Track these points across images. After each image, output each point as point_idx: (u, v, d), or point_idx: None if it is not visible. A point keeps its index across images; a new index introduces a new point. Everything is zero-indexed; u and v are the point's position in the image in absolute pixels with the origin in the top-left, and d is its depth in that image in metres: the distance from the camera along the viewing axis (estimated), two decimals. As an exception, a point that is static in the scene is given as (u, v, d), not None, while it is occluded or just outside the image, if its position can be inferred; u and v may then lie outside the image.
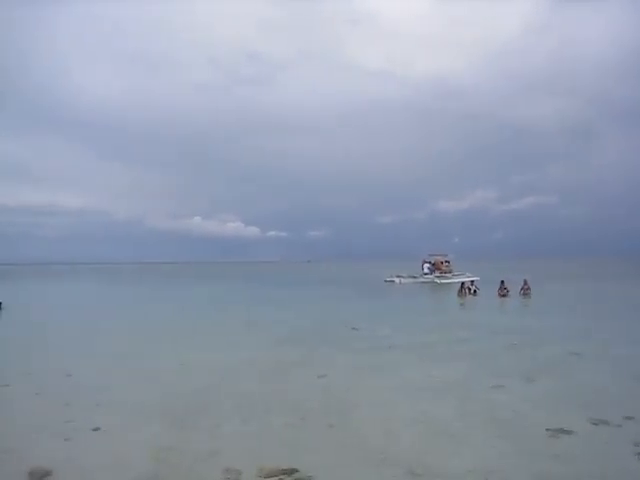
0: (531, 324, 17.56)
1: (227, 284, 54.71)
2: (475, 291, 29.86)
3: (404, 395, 8.51)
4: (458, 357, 11.68)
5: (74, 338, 15.76)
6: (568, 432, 6.44)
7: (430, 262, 49.36)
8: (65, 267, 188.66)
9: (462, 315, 22.98)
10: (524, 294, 28.51)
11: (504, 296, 27.90)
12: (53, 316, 22.76)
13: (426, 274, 48.28)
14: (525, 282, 29.14)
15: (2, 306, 23.90)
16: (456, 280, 39.88)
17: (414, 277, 48.77)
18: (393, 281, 47.94)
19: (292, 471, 5.31)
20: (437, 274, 47.58)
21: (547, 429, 6.56)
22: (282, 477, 5.23)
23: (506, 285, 28.67)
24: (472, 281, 32.56)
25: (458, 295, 29.28)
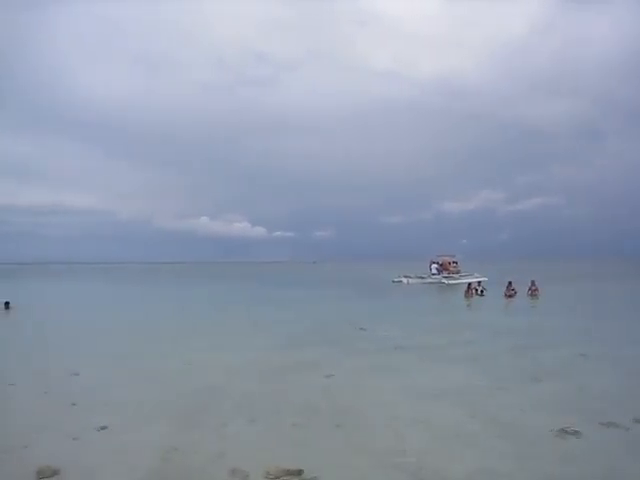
0: (538, 325, 17.47)
1: (233, 284, 54.79)
2: (482, 291, 29.75)
3: (410, 396, 8.48)
4: (464, 358, 11.62)
5: (80, 337, 15.84)
6: (575, 434, 6.40)
7: (438, 263, 49.26)
8: (71, 267, 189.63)
9: (468, 316, 22.89)
10: (532, 295, 28.36)
11: (511, 297, 27.77)
12: (59, 315, 22.87)
13: (434, 275, 48.21)
14: (533, 283, 28.98)
15: (9, 305, 24.03)
16: (464, 281, 39.76)
17: (422, 278, 48.67)
18: (401, 281, 47.88)
19: (298, 472, 5.31)
20: (445, 275, 47.52)
21: (554, 431, 6.51)
22: (288, 478, 5.22)
23: (514, 286, 28.54)
24: (479, 282, 32.48)
25: (465, 296, 29.17)
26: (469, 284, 30.86)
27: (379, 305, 27.26)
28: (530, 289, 28.80)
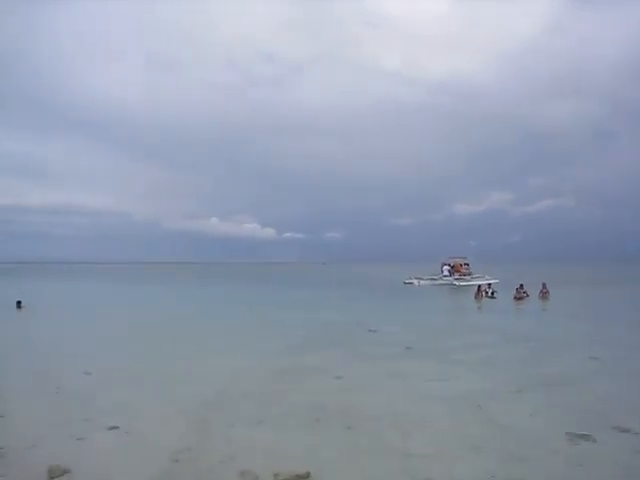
0: (550, 329, 17.36)
1: (242, 285, 54.98)
2: (493, 293, 29.59)
3: (419, 399, 8.46)
4: (475, 362, 11.57)
5: (92, 337, 15.97)
6: (588, 439, 6.34)
7: (449, 264, 49.49)
8: (83, 266, 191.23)
9: (478, 318, 22.78)
10: (542, 297, 28.15)
11: (521, 299, 27.55)
12: (71, 315, 23.08)
13: (445, 276, 48.29)
14: (544, 286, 28.78)
15: (21, 305, 24.27)
16: (475, 283, 39.63)
17: (433, 279, 48.79)
18: (412, 283, 47.95)
19: (306, 475, 5.30)
20: (456, 276, 47.50)
21: (565, 435, 6.46)
22: (296, 481, 5.22)
23: (525, 288, 28.32)
24: (489, 284, 32.35)
25: (475, 298, 29.01)
26: (479, 286, 30.73)
27: (389, 306, 27.27)
28: (541, 291, 28.59)
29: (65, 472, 5.43)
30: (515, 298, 27.76)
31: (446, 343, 14.19)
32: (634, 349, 13.12)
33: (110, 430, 6.86)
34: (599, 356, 11.86)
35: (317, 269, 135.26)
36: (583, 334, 15.88)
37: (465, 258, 51.41)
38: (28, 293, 32.17)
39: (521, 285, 28.52)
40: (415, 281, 48.23)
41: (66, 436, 6.61)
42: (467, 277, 47.17)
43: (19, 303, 24.26)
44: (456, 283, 45.32)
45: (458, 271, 48.54)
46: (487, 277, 44.38)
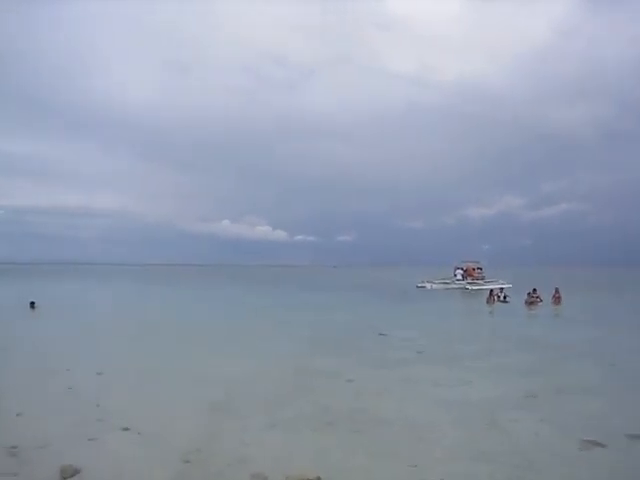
0: (563, 334, 17.15)
1: (254, 287, 55.15)
2: (505, 297, 29.37)
3: (430, 404, 8.40)
4: (487, 368, 11.48)
5: (104, 337, 16.11)
6: (601, 445, 6.25)
7: (462, 268, 49.32)
8: (96, 267, 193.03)
9: (490, 323, 22.63)
10: (555, 302, 27.87)
11: (533, 304, 27.29)
12: (84, 315, 23.29)
13: (458, 280, 48.13)
14: (557, 290, 28.45)
15: (35, 305, 24.52)
16: (488, 287, 39.42)
17: (445, 283, 48.64)
18: (424, 286, 47.88)
19: (316, 479, 5.27)
20: (469, 280, 47.31)
21: (580, 444, 6.36)
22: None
23: (538, 293, 28.06)
24: (501, 288, 32.17)
25: (487, 302, 28.82)
26: (491, 290, 30.59)
27: (400, 310, 27.17)
28: (554, 296, 28.30)
29: (77, 472, 5.46)
30: (527, 303, 27.52)
31: (458, 348, 14.10)
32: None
33: (122, 431, 6.89)
34: (614, 363, 11.72)
35: (328, 272, 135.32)
36: (597, 340, 15.67)
37: (478, 262, 51.34)
38: (42, 293, 32.55)
39: (534, 290, 28.24)
40: (427, 285, 48.16)
41: (78, 436, 6.64)
42: (480, 281, 47.02)
43: (32, 303, 24.54)
44: (469, 287, 45.15)
45: (471, 275, 48.46)
46: (500, 281, 44.18)
